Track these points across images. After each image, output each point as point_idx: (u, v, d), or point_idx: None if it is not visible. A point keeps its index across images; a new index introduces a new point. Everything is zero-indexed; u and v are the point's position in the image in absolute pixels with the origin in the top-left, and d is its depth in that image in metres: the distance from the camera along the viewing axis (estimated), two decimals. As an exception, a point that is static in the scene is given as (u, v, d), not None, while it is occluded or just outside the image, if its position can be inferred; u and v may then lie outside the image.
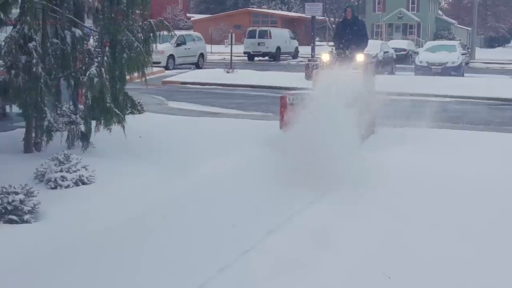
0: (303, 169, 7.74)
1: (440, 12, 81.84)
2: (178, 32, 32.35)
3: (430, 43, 32.31)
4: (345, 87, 9.16)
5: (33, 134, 9.04)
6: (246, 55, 43.50)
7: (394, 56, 32.29)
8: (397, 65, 32.18)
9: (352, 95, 9.28)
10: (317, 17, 29.40)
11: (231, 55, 28.93)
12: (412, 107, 13.05)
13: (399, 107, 11.84)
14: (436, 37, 64.98)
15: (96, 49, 9.23)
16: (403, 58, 36.90)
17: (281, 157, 8.56)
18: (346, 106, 8.74)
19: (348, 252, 5.77)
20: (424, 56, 28.85)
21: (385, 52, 30.41)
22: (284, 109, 10.53)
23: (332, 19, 69.80)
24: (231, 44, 29.47)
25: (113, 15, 8.89)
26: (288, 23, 63.77)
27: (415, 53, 37.93)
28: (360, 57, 11.86)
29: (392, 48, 33.73)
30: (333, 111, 8.35)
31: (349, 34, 12.29)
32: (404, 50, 38.95)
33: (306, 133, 8.19)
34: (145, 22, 9.32)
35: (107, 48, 8.96)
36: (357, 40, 12.23)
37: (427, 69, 27.69)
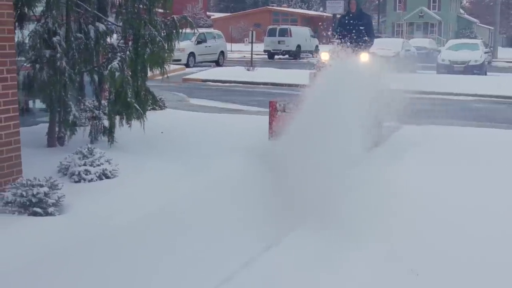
0: (285, 192, 6.58)
1: (461, 11, 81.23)
2: (197, 31, 32.37)
3: (452, 42, 32.06)
4: (347, 89, 7.94)
5: (57, 129, 9.08)
6: (266, 53, 43.48)
7: (416, 55, 32.09)
8: (418, 64, 31.97)
9: (356, 98, 8.18)
10: (337, 15, 29.27)
11: (252, 53, 28.92)
12: (434, 106, 12.97)
13: (421, 106, 11.68)
14: (457, 36, 64.47)
15: (119, 44, 9.25)
16: (425, 57, 36.64)
17: (265, 173, 7.50)
18: (348, 111, 7.52)
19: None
20: (446, 54, 28.65)
21: (406, 51, 30.27)
22: (273, 116, 9.31)
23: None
24: (252, 42, 29.45)
25: (136, 10, 8.90)
26: (308, 21, 63.62)
27: (436, 51, 37.65)
28: (364, 57, 10.36)
29: (414, 46, 33.52)
30: (330, 118, 7.03)
31: (353, 30, 10.91)
32: (426, 48, 38.74)
33: (294, 146, 6.98)
34: (168, 18, 9.33)
35: (130, 43, 8.97)
36: (361, 36, 10.93)
37: (450, 68, 27.49)
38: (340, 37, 10.78)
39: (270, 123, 9.31)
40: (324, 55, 10.58)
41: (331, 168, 6.48)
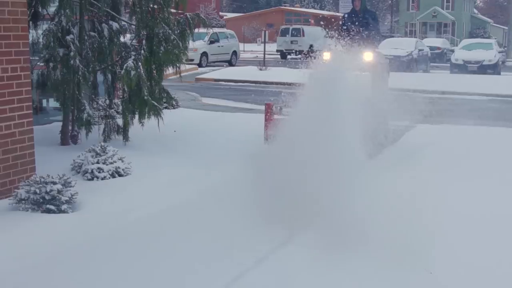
0: (278, 201, 6.01)
1: (475, 10, 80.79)
2: (211, 30, 32.42)
3: (466, 41, 31.89)
4: (348, 90, 7.29)
5: (70, 127, 9.11)
6: (279, 53, 43.44)
7: (429, 54, 31.95)
8: (431, 64, 31.85)
9: (357, 100, 7.53)
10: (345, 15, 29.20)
11: (264, 53, 28.91)
12: (448, 105, 12.88)
13: (434, 106, 11.58)
14: (471, 36, 64.15)
15: (133, 43, 9.27)
16: (438, 57, 36.54)
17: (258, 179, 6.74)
18: (349, 113, 6.93)
19: None
20: (460, 54, 28.50)
21: (419, 50, 30.11)
22: (269, 119, 8.67)
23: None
24: (264, 42, 29.44)
25: (150, 9, 8.92)
26: (321, 21, 63.57)
27: (450, 51, 37.49)
28: (368, 56, 9.72)
29: (427, 46, 33.36)
30: (328, 121, 6.35)
31: (358, 29, 10.17)
32: (439, 48, 38.54)
33: (289, 151, 6.30)
34: (182, 16, 9.33)
35: (143, 42, 8.98)
36: (367, 35, 10.21)
37: (463, 67, 27.35)
38: (345, 36, 9.90)
39: (265, 126, 8.63)
40: (326, 55, 9.49)
41: (327, 177, 5.83)
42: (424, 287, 4.79)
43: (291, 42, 43.36)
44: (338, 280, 4.83)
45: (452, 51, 34.50)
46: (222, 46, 33.42)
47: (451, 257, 5.27)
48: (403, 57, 27.96)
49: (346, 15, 10.90)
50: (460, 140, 10.60)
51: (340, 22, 10.75)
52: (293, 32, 43.84)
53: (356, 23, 10.23)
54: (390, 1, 69.52)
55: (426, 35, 61.53)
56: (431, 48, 34.80)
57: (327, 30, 49.53)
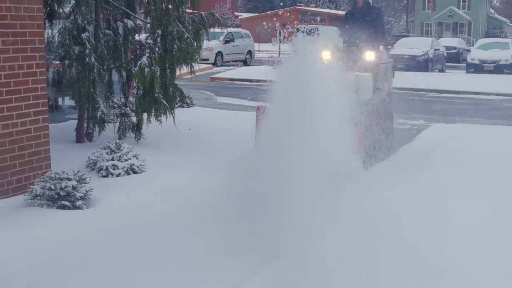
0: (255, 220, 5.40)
1: (491, 10, 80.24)
2: (226, 29, 32.43)
3: (482, 41, 31.67)
4: (343, 93, 6.83)
5: (85, 125, 9.15)
6: (294, 53, 43.33)
7: (445, 54, 31.77)
8: (447, 63, 31.69)
9: (353, 103, 7.27)
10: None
11: (279, 52, 28.87)
12: (464, 105, 12.79)
13: (449, 105, 11.48)
14: (487, 35, 63.68)
15: (148, 41, 9.29)
16: (454, 56, 36.33)
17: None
18: (343, 118, 6.45)
19: None
20: (476, 53, 28.32)
21: (435, 50, 29.95)
22: (258, 124, 7.70)
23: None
24: (279, 41, 29.41)
25: (164, 7, 8.94)
26: (336, 21, 63.43)
27: (466, 51, 37.24)
28: (369, 55, 9.06)
29: (443, 46, 33.17)
30: (318, 126, 5.72)
31: (360, 26, 9.27)
32: (455, 48, 38.28)
33: (274, 158, 5.55)
34: (196, 15, 9.34)
35: (158, 40, 9.00)
36: (370, 34, 9.27)
37: (479, 67, 27.19)
38: (347, 35, 9.65)
39: (256, 131, 7.66)
40: (325, 54, 8.35)
41: (312, 190, 5.34)
42: None
43: (306, 41, 43.22)
44: None
45: (468, 51, 34.26)
46: (237, 45, 33.42)
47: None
48: (418, 56, 27.84)
49: (348, 13, 10.21)
50: (475, 139, 10.54)
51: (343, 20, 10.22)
52: (308, 32, 43.76)
53: (359, 21, 9.39)
54: (405, 1, 69.22)
55: (442, 35, 61.19)
56: (447, 48, 34.58)
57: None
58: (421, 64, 27.43)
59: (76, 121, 9.31)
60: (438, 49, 30.74)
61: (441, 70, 29.62)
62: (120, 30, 9.05)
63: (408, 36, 42.82)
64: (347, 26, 9.76)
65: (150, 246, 5.37)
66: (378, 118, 8.97)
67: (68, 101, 10.79)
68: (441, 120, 13.24)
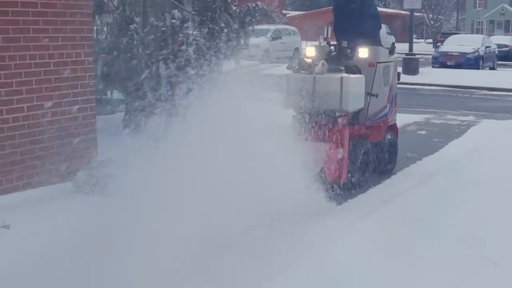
0: None
1: (545, 8, 78.39)
2: (273, 26, 32.43)
3: (535, 38, 30.95)
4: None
5: (132, 117, 9.20)
6: (341, 50, 43.04)
7: (496, 52, 31.11)
8: (498, 62, 31.06)
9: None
10: (414, 14, 28.69)
11: (326, 49, 28.66)
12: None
13: (499, 102, 11.19)
14: (541, 34, 62.29)
15: (195, 32, 9.30)
16: (506, 54, 35.52)
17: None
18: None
19: None
20: (528, 51, 27.70)
21: (486, 47, 29.35)
22: None
23: (431, 15, 68.07)
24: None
25: (211, -2, 8.95)
26: (384, 19, 62.79)
27: (518, 49, 36.42)
28: (363, 52, 7.52)
29: (495, 44, 32.49)
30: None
31: (348, 18, 7.93)
32: (507, 46, 37.41)
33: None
34: (243, 6, 9.33)
35: (205, 31, 9.01)
36: (360, 27, 7.78)
37: (532, 65, 26.57)
38: (337, 29, 8.17)
39: None
40: (310, 51, 7.75)
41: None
42: None
43: (354, 39, 42.87)
44: None
45: (521, 49, 33.53)
46: (284, 42, 33.33)
47: None
48: (469, 54, 27.33)
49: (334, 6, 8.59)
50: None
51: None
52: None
53: (347, 11, 7.98)
54: (456, -1, 68.17)
55: (493, 33, 59.98)
56: (499, 46, 33.82)
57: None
58: (472, 62, 26.91)
59: (123, 113, 9.37)
60: (489, 47, 30.12)
61: (492, 68, 29.02)
62: (168, 22, 9.08)
63: (458, 33, 42.09)
64: (337, 19, 8.25)
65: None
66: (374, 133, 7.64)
67: (115, 94, 10.89)
68: (491, 116, 13.00)
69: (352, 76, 7.03)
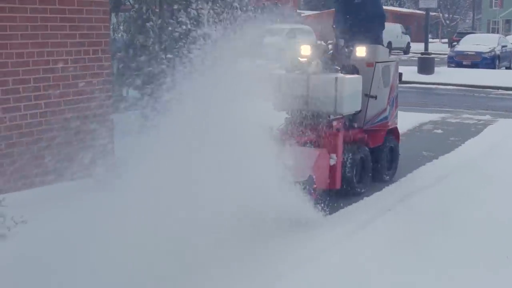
0: None
1: (562, 8, 77.77)
2: (289, 26, 32.38)
3: (552, 38, 30.70)
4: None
5: (148, 115, 9.22)
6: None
7: (513, 51, 30.91)
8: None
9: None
10: (430, 13, 28.52)
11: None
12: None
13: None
14: (558, 34, 61.81)
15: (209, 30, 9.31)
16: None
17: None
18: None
19: None
20: (545, 51, 27.50)
21: (503, 47, 29.16)
22: None
23: (446, 15, 67.77)
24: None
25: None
26: (400, 18, 62.55)
27: (535, 49, 36.12)
28: (360, 51, 7.14)
29: (511, 43, 32.26)
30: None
31: (350, 14, 7.50)
32: (524, 46, 37.19)
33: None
34: (260, 5, 9.34)
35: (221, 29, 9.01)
36: (362, 25, 7.37)
37: (548, 65, 26.39)
38: (339, 27, 7.73)
39: None
40: (305, 49, 7.24)
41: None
42: None
43: (369, 39, 42.72)
44: None
45: (538, 48, 33.22)
46: (299, 42, 33.30)
47: None
48: (485, 53, 27.16)
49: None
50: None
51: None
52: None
53: (350, 7, 7.58)
54: (472, -2, 67.82)
55: (510, 33, 59.60)
56: (515, 45, 33.61)
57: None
58: (488, 61, 26.74)
59: (139, 111, 9.39)
60: (506, 46, 29.92)
61: (509, 68, 28.82)
62: (184, 19, 9.11)
63: (472, 33, 41.84)
64: (339, 16, 7.85)
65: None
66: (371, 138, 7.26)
67: (131, 92, 10.93)
68: (508, 116, 12.92)
69: (347, 76, 6.69)
